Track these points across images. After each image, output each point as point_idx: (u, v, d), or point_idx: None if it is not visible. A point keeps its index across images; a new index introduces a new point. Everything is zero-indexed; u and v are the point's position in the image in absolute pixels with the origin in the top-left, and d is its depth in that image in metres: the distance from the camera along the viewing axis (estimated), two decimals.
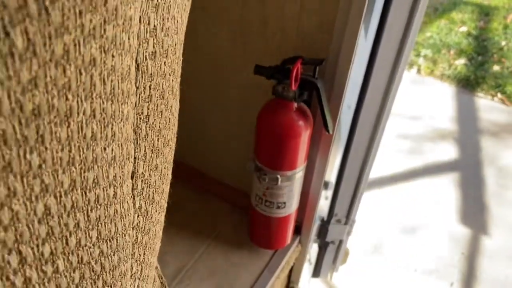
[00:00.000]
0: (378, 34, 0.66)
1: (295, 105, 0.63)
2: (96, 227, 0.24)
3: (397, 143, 1.94)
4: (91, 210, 0.23)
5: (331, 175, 0.85)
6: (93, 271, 0.25)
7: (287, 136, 0.64)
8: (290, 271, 0.93)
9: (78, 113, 0.19)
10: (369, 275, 1.45)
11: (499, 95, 2.15)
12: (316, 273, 1.06)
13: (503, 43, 2.39)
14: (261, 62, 0.63)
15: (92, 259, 0.25)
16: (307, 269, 1.06)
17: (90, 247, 0.24)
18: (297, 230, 0.86)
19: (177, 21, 0.25)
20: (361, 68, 0.69)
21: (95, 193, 0.23)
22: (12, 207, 0.19)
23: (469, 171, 1.83)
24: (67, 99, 0.18)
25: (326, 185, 0.88)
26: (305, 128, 0.65)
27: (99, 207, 0.23)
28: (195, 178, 0.91)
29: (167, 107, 0.28)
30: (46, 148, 0.19)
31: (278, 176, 0.70)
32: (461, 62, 2.30)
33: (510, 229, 1.63)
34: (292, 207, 0.77)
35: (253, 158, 0.72)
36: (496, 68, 2.26)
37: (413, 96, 2.17)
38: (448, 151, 1.91)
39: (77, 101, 0.19)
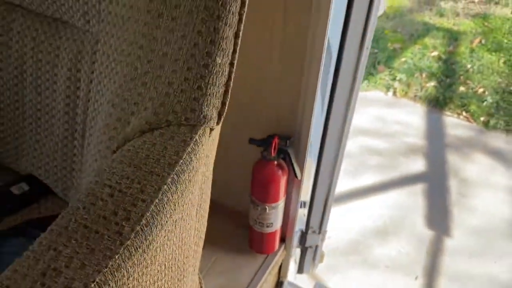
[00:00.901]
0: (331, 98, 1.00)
1: (275, 162, 0.98)
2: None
3: (373, 158, 2.27)
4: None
5: (307, 197, 1.19)
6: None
7: (270, 182, 0.98)
8: (280, 269, 1.27)
9: None
10: (347, 270, 1.78)
11: (464, 113, 2.48)
12: (300, 270, 1.40)
13: (469, 65, 2.73)
14: (254, 136, 0.99)
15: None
16: (293, 267, 1.40)
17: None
18: (282, 240, 1.19)
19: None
20: (319, 127, 1.03)
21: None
22: None
23: (435, 182, 2.16)
24: None
25: (304, 204, 1.23)
26: (282, 176, 0.99)
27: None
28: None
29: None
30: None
31: (266, 207, 1.04)
32: (431, 84, 2.64)
33: (468, 231, 1.95)
34: (277, 225, 1.11)
35: (250, 195, 1.06)
36: (462, 89, 2.60)
37: (389, 116, 2.51)
38: (418, 164, 2.24)
39: None
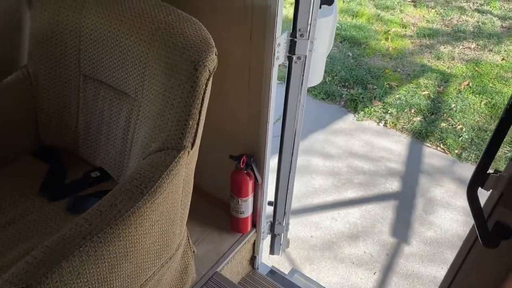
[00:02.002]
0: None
1: (245, 171, 1.56)
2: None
3: (357, 177, 2.79)
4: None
5: (272, 198, 1.77)
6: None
7: (241, 184, 1.57)
8: (253, 247, 1.85)
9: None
10: (320, 262, 2.31)
11: (441, 145, 2.95)
12: (271, 252, 1.97)
13: (453, 105, 3.19)
14: (231, 153, 1.58)
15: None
16: (266, 249, 1.97)
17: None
18: (254, 225, 1.78)
19: None
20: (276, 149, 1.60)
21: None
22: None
23: (405, 200, 2.65)
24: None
25: (271, 203, 1.80)
26: (249, 180, 1.57)
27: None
28: (203, 194, 1.86)
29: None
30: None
31: (239, 200, 1.62)
32: (418, 119, 3.12)
33: (424, 241, 2.43)
34: (248, 213, 1.68)
35: (230, 191, 1.65)
36: (443, 124, 3.07)
37: (377, 143, 3.02)
38: (394, 185, 2.73)
39: None
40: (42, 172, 1.39)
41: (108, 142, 1.37)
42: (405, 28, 4.09)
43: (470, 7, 4.43)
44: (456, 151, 2.90)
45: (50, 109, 1.42)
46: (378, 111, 3.20)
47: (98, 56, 1.29)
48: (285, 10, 3.72)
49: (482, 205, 0.91)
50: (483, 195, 0.95)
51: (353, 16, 4.27)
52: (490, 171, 0.89)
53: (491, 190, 0.92)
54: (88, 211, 1.02)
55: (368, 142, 3.01)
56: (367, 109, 3.21)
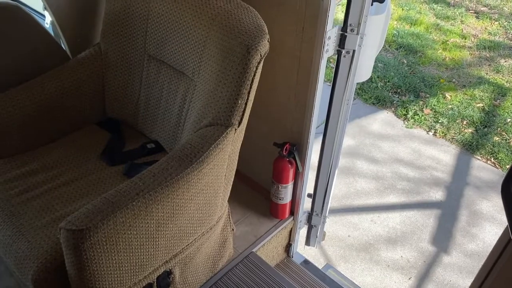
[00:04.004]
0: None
1: (287, 159, 1.64)
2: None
3: (401, 183, 2.77)
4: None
5: (312, 190, 1.82)
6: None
7: (283, 171, 1.64)
8: (290, 234, 1.92)
9: None
10: (355, 262, 2.33)
11: (492, 159, 2.87)
12: (307, 242, 2.02)
13: (509, 119, 3.09)
14: (275, 140, 1.66)
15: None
16: (302, 240, 2.03)
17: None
18: (292, 213, 1.85)
19: None
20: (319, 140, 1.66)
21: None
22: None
23: (448, 210, 2.61)
24: None
25: (310, 195, 1.86)
26: (291, 168, 1.64)
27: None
28: (245, 179, 1.95)
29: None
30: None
31: (280, 186, 1.70)
32: (469, 130, 3.05)
33: (464, 253, 2.38)
34: (287, 200, 1.75)
35: (271, 177, 1.73)
36: (496, 138, 2.98)
37: (425, 152, 2.99)
38: (438, 194, 2.70)
39: None
40: (104, 140, 1.54)
41: (164, 117, 1.50)
42: (465, 39, 4.00)
43: None
44: (507, 166, 2.82)
45: (116, 84, 1.57)
46: (428, 120, 3.17)
47: (162, 38, 1.42)
48: (338, 8, 3.76)
49: None
50: None
51: (411, 24, 4.23)
52: None
53: None
54: (143, 172, 1.14)
55: (416, 150, 2.98)
56: (417, 117, 3.18)
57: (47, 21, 1.85)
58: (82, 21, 1.65)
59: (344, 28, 1.40)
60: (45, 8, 1.58)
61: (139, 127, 1.60)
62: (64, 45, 1.65)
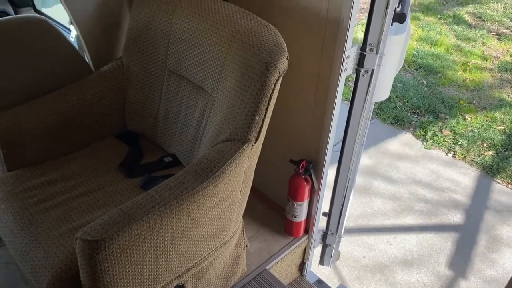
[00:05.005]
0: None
1: (303, 176, 1.63)
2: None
3: (418, 204, 2.73)
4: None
5: (327, 209, 1.81)
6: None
7: (298, 188, 1.63)
8: (304, 253, 1.89)
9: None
10: (369, 284, 2.29)
11: None
12: (321, 262, 1.99)
13: None
14: (292, 157, 1.66)
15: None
16: (316, 259, 2.00)
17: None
18: (306, 231, 1.83)
19: None
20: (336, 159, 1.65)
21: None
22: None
23: (467, 234, 2.54)
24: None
25: (325, 214, 1.84)
26: (306, 186, 1.63)
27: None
28: (260, 195, 1.94)
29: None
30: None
31: (295, 203, 1.68)
32: (490, 153, 3.00)
33: (483, 279, 2.31)
34: (302, 218, 1.73)
35: (286, 194, 1.72)
36: None
37: (443, 173, 2.94)
38: (457, 217, 2.64)
39: None
40: (123, 152, 1.56)
41: (182, 131, 1.51)
42: (486, 60, 3.96)
43: None
44: None
45: (137, 98, 1.60)
46: (447, 141, 3.12)
47: (183, 54, 1.45)
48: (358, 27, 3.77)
49: None
50: None
51: (431, 44, 4.21)
52: None
53: None
54: (159, 185, 1.14)
55: (434, 171, 2.94)
56: (436, 138, 3.14)
57: (73, 34, 1.90)
58: (106, 36, 1.69)
59: (363, 47, 1.41)
60: (71, 23, 1.63)
61: (157, 140, 1.62)
62: (87, 58, 1.69)
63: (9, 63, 1.47)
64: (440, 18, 4.77)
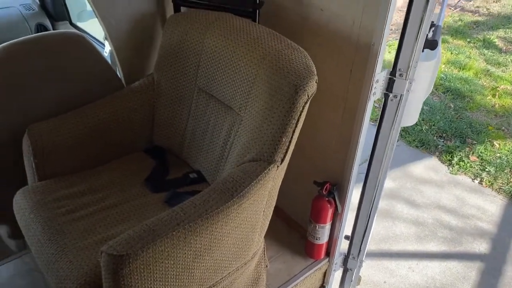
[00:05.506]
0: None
1: (326, 199, 1.62)
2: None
3: (442, 231, 2.67)
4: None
5: (349, 232, 1.78)
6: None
7: (321, 210, 1.62)
8: (324, 276, 1.87)
9: None
10: None
11: None
12: (341, 286, 1.96)
13: None
14: (316, 179, 1.65)
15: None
16: (336, 283, 1.97)
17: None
18: (328, 254, 1.80)
19: None
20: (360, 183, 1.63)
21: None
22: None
23: (493, 264, 2.47)
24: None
25: (347, 237, 1.82)
26: (330, 208, 1.62)
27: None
28: (282, 215, 1.93)
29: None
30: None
31: (317, 225, 1.67)
32: None
33: None
34: (323, 240, 1.72)
35: (309, 215, 1.71)
36: None
37: (469, 200, 2.87)
38: (482, 247, 2.56)
39: None
40: (149, 167, 1.59)
41: (209, 149, 1.53)
42: None
43: None
44: None
45: (165, 114, 1.63)
46: (474, 167, 3.06)
47: (213, 73, 1.47)
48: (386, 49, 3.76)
49: None
50: None
51: (460, 68, 4.16)
52: None
53: None
54: (184, 202, 1.16)
55: (460, 198, 2.87)
56: (463, 164, 3.08)
57: (106, 50, 1.96)
58: (138, 52, 1.74)
59: (393, 72, 1.40)
60: (105, 38, 1.68)
61: (183, 156, 1.64)
62: (119, 73, 1.73)
63: (46, 76, 1.52)
64: (469, 42, 4.71)
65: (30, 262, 1.75)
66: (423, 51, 1.38)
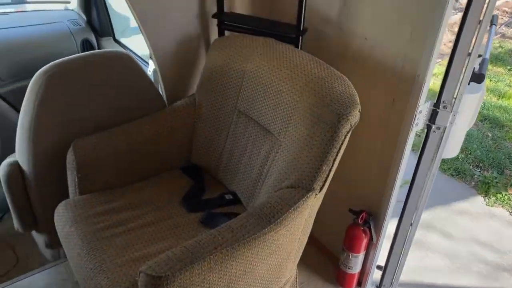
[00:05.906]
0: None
1: (361, 228, 1.59)
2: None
3: (477, 265, 2.57)
4: None
5: (383, 262, 1.74)
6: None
7: (356, 240, 1.60)
8: None
9: None
10: None
11: None
12: None
13: None
14: (351, 207, 1.63)
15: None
16: None
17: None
18: (359, 284, 1.77)
19: None
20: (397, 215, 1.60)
21: None
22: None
23: None
24: None
25: (381, 268, 1.78)
26: (364, 238, 1.60)
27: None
28: (314, 241, 1.91)
29: None
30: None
31: (350, 255, 1.64)
32: None
33: None
34: (356, 270, 1.69)
35: (342, 244, 1.69)
36: None
37: (507, 234, 2.76)
38: None
39: None
40: (187, 186, 1.61)
41: (245, 171, 1.54)
42: None
43: None
44: None
45: (205, 134, 1.65)
46: None
47: (254, 96, 1.49)
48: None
49: None
50: None
51: (499, 96, 4.05)
52: None
53: None
54: (222, 226, 1.16)
55: (497, 231, 2.77)
56: (500, 196, 2.98)
57: (150, 68, 2.01)
58: (181, 72, 1.78)
59: (436, 103, 1.38)
60: (151, 57, 1.73)
61: (219, 176, 1.65)
62: (161, 91, 1.77)
63: (91, 94, 1.57)
64: (510, 70, 4.59)
65: (63, 272, 1.79)
66: (469, 84, 1.36)
